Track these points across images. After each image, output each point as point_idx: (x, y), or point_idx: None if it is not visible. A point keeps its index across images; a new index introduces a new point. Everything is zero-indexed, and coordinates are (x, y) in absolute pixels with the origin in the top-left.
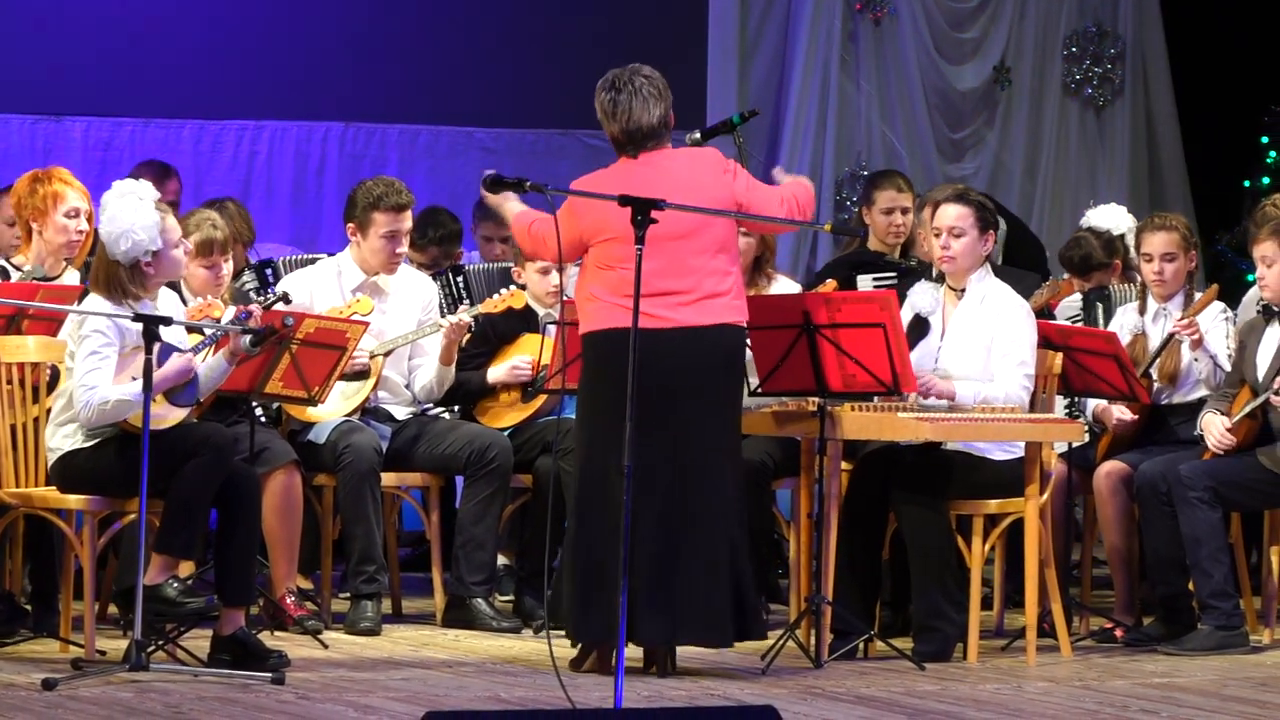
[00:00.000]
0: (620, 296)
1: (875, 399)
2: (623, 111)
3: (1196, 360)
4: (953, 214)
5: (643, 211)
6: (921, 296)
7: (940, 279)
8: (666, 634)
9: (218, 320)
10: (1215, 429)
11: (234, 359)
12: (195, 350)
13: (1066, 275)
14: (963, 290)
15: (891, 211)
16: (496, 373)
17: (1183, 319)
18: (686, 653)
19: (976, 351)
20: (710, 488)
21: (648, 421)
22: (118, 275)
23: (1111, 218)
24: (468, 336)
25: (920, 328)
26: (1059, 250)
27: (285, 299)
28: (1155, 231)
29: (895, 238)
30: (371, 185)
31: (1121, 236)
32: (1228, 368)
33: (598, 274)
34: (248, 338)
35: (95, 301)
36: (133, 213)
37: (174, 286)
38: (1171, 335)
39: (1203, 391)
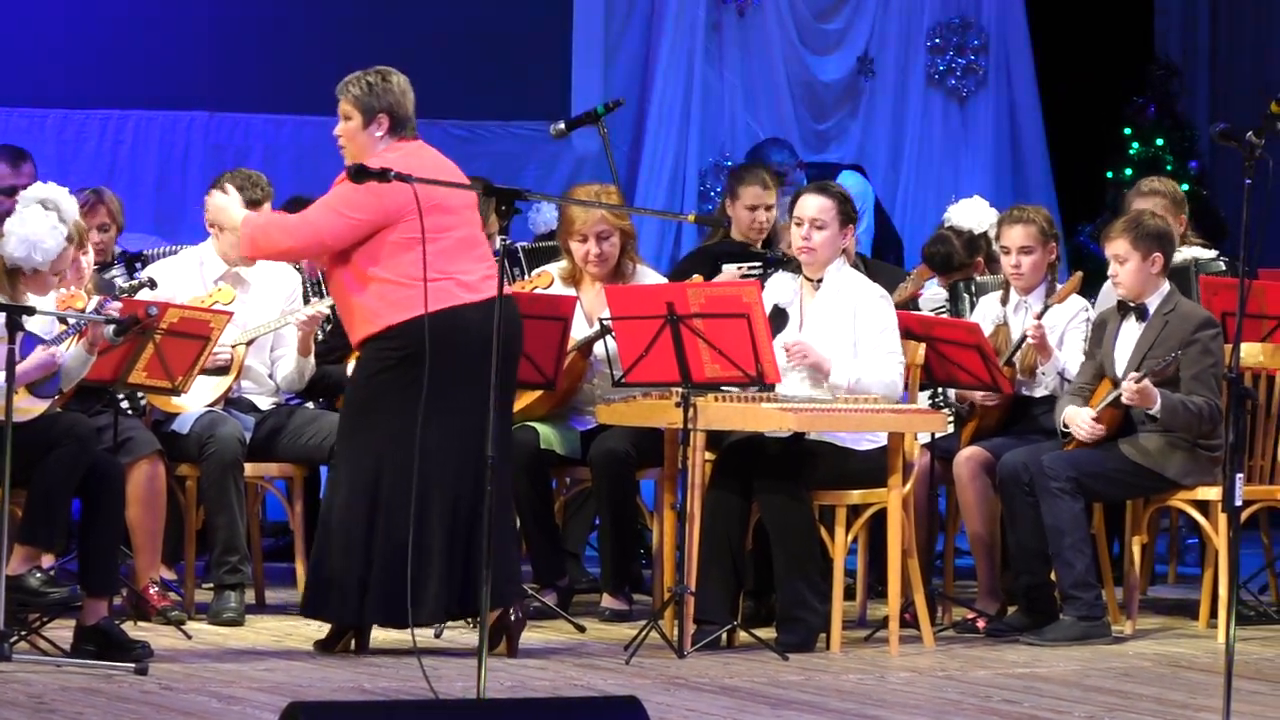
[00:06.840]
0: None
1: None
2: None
3: (1044, 374)
4: (815, 205)
5: (506, 202)
6: (780, 288)
7: (798, 269)
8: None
9: (81, 310)
10: (1082, 421)
11: (93, 349)
12: (57, 340)
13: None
14: (819, 281)
15: (755, 209)
16: None
17: (1039, 316)
18: (548, 639)
19: (838, 342)
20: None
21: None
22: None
23: (973, 215)
24: (329, 326)
25: (779, 319)
26: (922, 246)
27: (151, 284)
28: (1013, 225)
29: (758, 234)
30: (229, 179)
31: (984, 234)
32: (1072, 377)
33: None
34: (111, 327)
35: None
36: (43, 227)
37: None
38: (1025, 337)
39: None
